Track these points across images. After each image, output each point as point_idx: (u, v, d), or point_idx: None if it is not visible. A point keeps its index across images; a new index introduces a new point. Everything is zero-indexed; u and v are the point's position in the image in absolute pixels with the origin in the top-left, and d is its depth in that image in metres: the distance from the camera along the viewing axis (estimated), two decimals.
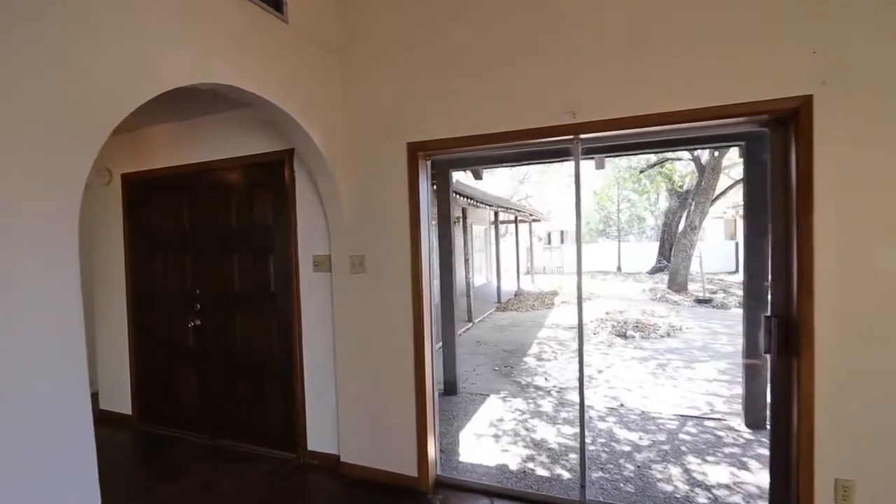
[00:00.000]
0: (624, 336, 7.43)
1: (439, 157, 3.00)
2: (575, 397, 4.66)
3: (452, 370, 4.72)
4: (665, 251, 15.82)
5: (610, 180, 20.86)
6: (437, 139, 2.70)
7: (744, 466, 3.10)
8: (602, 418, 4.01)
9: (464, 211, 9.22)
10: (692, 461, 3.19)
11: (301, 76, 2.59)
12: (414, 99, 2.77)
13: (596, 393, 4.77)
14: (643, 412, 4.15)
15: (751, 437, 3.57)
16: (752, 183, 3.66)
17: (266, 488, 2.96)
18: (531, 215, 14.50)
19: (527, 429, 3.81)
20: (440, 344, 4.62)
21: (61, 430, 1.49)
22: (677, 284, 11.82)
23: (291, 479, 3.07)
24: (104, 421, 4.12)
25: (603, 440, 3.55)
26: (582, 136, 2.48)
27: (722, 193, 12.60)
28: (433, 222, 3.40)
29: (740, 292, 11.30)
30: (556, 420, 4.00)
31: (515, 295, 13.00)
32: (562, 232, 26.62)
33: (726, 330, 7.76)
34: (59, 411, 1.49)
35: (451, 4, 2.67)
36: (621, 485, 2.90)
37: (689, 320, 8.51)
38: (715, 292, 11.27)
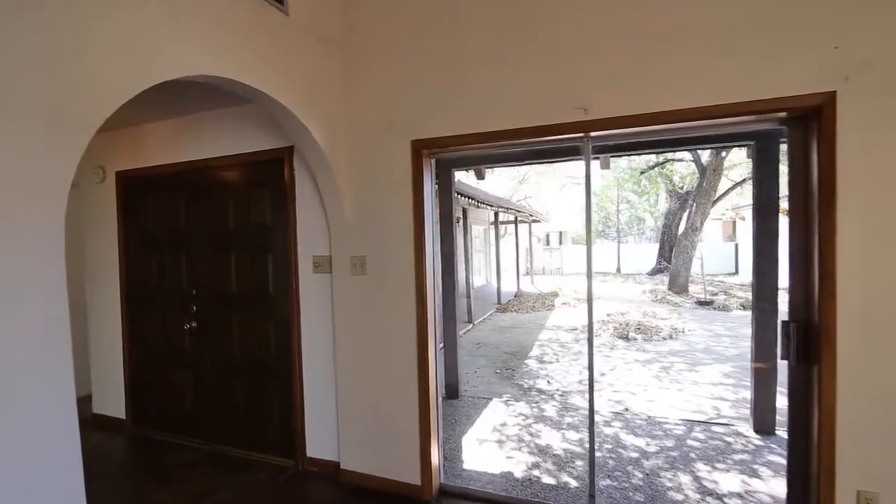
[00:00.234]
0: (626, 338, 7.36)
1: (444, 156, 2.91)
2: (578, 401, 4.58)
3: (454, 373, 4.63)
4: (665, 252, 15.78)
5: (610, 181, 20.83)
6: (443, 136, 2.61)
7: (755, 474, 3.02)
8: (607, 423, 3.92)
9: (464, 211, 9.14)
10: (702, 468, 3.10)
11: (301, 70, 2.50)
12: (418, 95, 2.68)
13: (600, 397, 4.68)
14: (649, 417, 4.07)
15: (760, 443, 3.49)
16: (761, 183, 3.58)
17: (263, 497, 2.86)
18: (531, 216, 14.42)
19: (531, 434, 3.72)
20: (441, 345, 4.53)
21: (45, 432, 1.42)
22: (678, 286, 11.76)
23: (290, 487, 2.97)
24: (98, 425, 4.03)
25: (609, 446, 3.47)
26: (593, 133, 2.39)
27: (724, 194, 12.55)
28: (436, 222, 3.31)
29: (741, 294, 11.34)
30: (560, 425, 3.91)
31: (515, 296, 12.92)
32: (560, 233, 26.57)
33: (728, 332, 7.69)
34: (43, 413, 1.42)
35: None
36: (630, 493, 2.81)
37: (691, 322, 8.45)
38: (715, 294, 11.21)
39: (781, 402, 3.82)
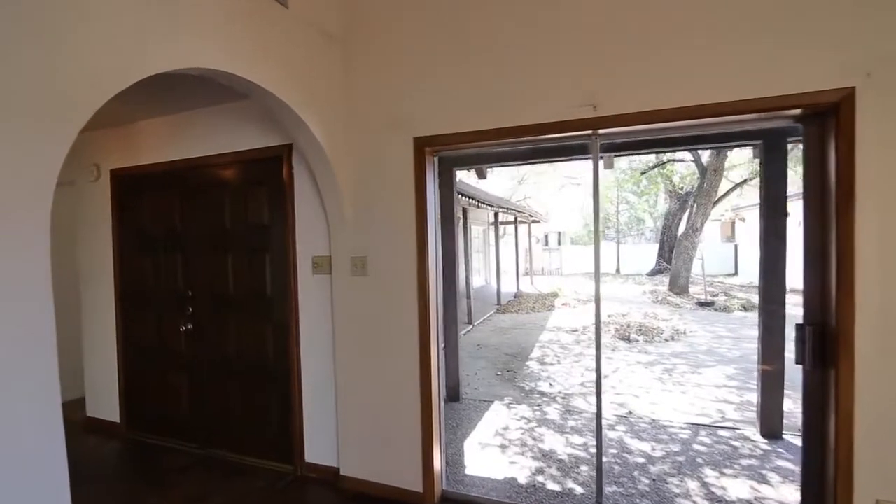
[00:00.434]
0: (627, 340, 7.29)
1: (446, 154, 2.84)
2: (582, 404, 4.51)
3: (455, 375, 4.56)
4: (665, 253, 15.75)
5: (610, 182, 20.80)
6: (446, 134, 2.54)
7: (764, 480, 2.95)
8: (611, 427, 3.86)
9: (464, 211, 9.06)
10: (709, 474, 3.04)
11: (301, 65, 2.43)
12: (421, 91, 2.61)
13: (603, 399, 4.60)
14: (653, 420, 4.01)
15: (767, 447, 3.42)
16: (769, 183, 3.52)
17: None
18: (531, 216, 14.36)
19: (534, 438, 3.65)
20: (443, 345, 4.46)
21: (28, 435, 1.35)
22: (678, 287, 11.71)
23: (288, 493, 2.89)
24: (91, 428, 3.95)
25: (614, 451, 3.40)
26: (601, 130, 2.32)
27: (725, 195, 12.52)
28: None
29: (741, 295, 11.31)
30: (563, 429, 3.84)
31: (515, 297, 12.86)
32: (559, 233, 26.54)
33: (730, 334, 7.64)
34: (26, 415, 1.35)
35: None
36: (637, 500, 2.75)
37: (693, 324, 8.39)
38: (716, 295, 11.17)
39: (788, 405, 3.78)
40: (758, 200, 14.56)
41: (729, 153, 10.86)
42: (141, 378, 3.72)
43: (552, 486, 2.93)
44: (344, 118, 2.76)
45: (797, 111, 2.05)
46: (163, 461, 3.37)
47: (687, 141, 3.54)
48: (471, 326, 8.66)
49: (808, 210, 2.09)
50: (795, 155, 6.50)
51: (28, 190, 1.30)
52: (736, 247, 17.76)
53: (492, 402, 4.58)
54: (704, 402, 4.50)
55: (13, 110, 1.27)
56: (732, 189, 12.65)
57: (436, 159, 2.74)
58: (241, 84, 2.11)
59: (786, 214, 3.48)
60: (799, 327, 2.09)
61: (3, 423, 1.28)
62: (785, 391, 3.58)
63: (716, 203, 11.79)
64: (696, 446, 3.47)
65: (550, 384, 5.19)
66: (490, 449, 3.48)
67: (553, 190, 24.58)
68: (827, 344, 2.00)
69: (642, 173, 13.87)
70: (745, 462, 3.20)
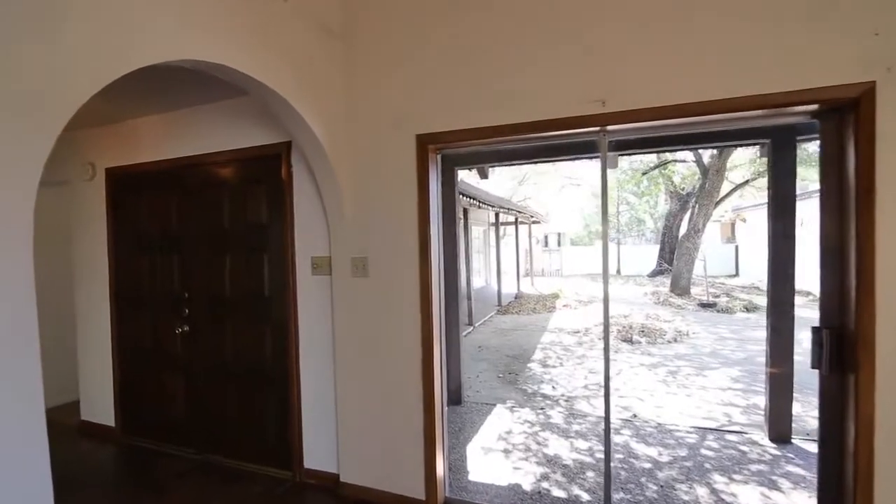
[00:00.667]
0: (630, 341, 7.22)
1: (448, 152, 2.77)
2: (585, 407, 4.44)
3: (457, 378, 4.48)
4: (665, 254, 15.69)
5: (611, 182, 20.69)
6: (450, 131, 2.47)
7: (775, 486, 2.88)
8: (617, 431, 3.78)
9: (465, 211, 8.99)
10: (718, 480, 2.96)
11: (300, 60, 2.36)
12: (423, 87, 2.53)
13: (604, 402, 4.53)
14: (659, 424, 3.93)
15: (777, 452, 3.35)
16: (777, 182, 3.45)
17: None
18: (531, 217, 14.30)
19: (538, 443, 3.58)
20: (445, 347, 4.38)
21: (9, 439, 1.28)
22: (680, 288, 11.64)
23: (286, 500, 2.82)
24: (86, 433, 3.87)
25: (620, 456, 3.33)
26: (610, 127, 2.25)
27: (727, 195, 12.45)
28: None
29: (743, 296, 11.23)
30: (568, 433, 3.77)
31: (516, 297, 12.79)
32: (559, 234, 26.48)
33: (733, 335, 7.57)
34: (7, 418, 1.27)
35: None
36: None
37: (695, 325, 8.32)
38: (718, 296, 11.10)
39: (796, 408, 3.70)
40: (759, 201, 14.45)
41: (731, 153, 10.78)
42: (136, 381, 3.65)
43: (558, 492, 2.85)
44: (344, 115, 2.69)
45: (813, 107, 1.98)
46: (159, 467, 3.29)
47: (694, 139, 3.47)
48: (471, 328, 8.59)
49: (825, 208, 2.02)
50: (800, 154, 6.41)
51: (9, 189, 1.23)
52: (737, 248, 17.71)
53: (494, 405, 4.50)
54: (710, 406, 4.43)
55: None
56: (735, 189, 12.58)
57: (439, 157, 2.67)
58: (237, 78, 2.04)
59: (794, 214, 3.41)
60: (815, 330, 2.02)
61: None
62: (793, 394, 3.51)
63: (717, 204, 11.72)
64: (703, 451, 3.40)
65: (553, 387, 5.12)
66: (493, 454, 3.41)
67: (553, 191, 24.54)
68: (845, 348, 1.93)
69: (643, 174, 13.81)
70: (754, 467, 3.13)
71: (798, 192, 3.60)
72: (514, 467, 3.18)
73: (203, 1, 1.80)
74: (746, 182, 12.54)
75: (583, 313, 10.17)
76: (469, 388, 4.98)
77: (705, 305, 10.10)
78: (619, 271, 19.45)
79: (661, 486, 2.89)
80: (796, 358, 3.47)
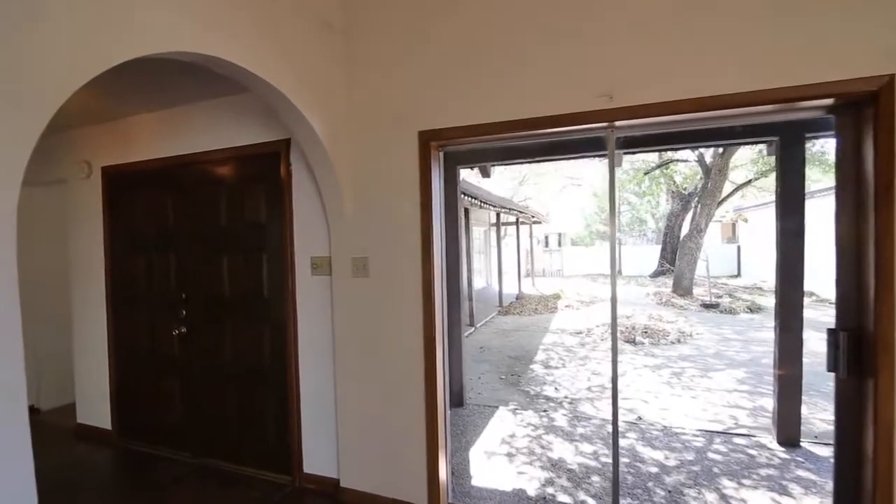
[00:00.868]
0: (633, 342, 7.16)
1: (452, 150, 2.70)
2: (589, 409, 4.37)
3: (459, 380, 4.42)
4: (667, 254, 15.62)
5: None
6: (453, 127, 2.40)
7: (785, 492, 2.81)
8: (622, 434, 3.71)
9: (466, 211, 8.93)
10: (727, 485, 2.90)
11: (299, 54, 2.29)
12: (425, 82, 2.47)
13: (611, 405, 4.47)
14: (665, 427, 3.87)
15: (786, 456, 3.28)
16: (785, 180, 3.39)
17: None
18: (533, 217, 14.23)
19: (542, 446, 3.51)
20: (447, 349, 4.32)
21: None
22: (682, 288, 11.56)
23: None
24: (82, 435, 3.80)
25: (626, 459, 3.26)
26: (618, 123, 2.18)
27: (730, 195, 12.38)
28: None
29: (746, 297, 11.16)
30: (572, 436, 3.70)
31: (517, 298, 12.72)
32: (559, 234, 26.41)
33: (738, 336, 7.50)
34: None
35: None
36: None
37: (699, 326, 8.25)
38: (720, 297, 11.03)
39: (804, 411, 3.63)
40: (761, 201, 14.37)
41: (734, 153, 10.71)
42: (133, 383, 3.58)
43: (563, 498, 2.79)
44: (345, 111, 2.62)
45: (829, 101, 1.92)
46: (155, 470, 3.23)
47: (701, 136, 3.41)
48: (473, 328, 8.53)
49: (841, 206, 1.95)
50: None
51: None
52: (738, 248, 17.64)
53: (497, 407, 4.43)
54: (716, 408, 4.36)
55: None
56: (738, 189, 12.51)
57: (441, 155, 2.60)
58: (235, 73, 1.98)
59: (803, 213, 3.35)
60: (831, 332, 1.96)
61: None
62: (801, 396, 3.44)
63: (720, 203, 11.66)
64: (710, 455, 3.33)
65: (556, 388, 5.06)
66: (496, 458, 3.34)
67: (554, 191, 24.47)
68: (864, 350, 1.87)
69: (645, 173, 13.73)
70: (763, 472, 3.06)
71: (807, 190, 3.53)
72: (518, 472, 3.12)
73: None
74: (749, 182, 12.47)
75: (585, 314, 10.10)
76: (471, 390, 4.91)
77: (708, 306, 10.03)
78: (620, 271, 19.37)
79: (670, 492, 2.83)
80: (805, 360, 3.40)
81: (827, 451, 3.31)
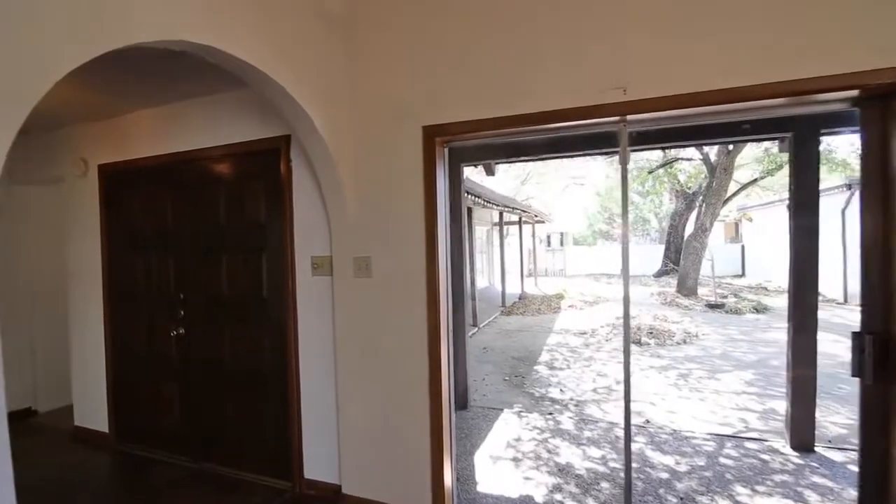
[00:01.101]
0: (639, 343, 7.06)
1: (456, 145, 2.61)
2: (596, 412, 4.29)
3: (463, 381, 4.34)
4: (671, 254, 15.50)
5: (615, 181, 20.55)
6: (459, 122, 2.32)
7: (802, 499, 2.72)
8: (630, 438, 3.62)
9: (469, 210, 8.84)
10: (741, 492, 2.81)
11: (299, 46, 2.21)
12: (430, 75, 2.39)
13: (618, 407, 4.39)
14: (674, 431, 3.78)
15: (800, 461, 3.19)
16: (799, 178, 3.29)
17: None
18: (535, 216, 14.14)
19: (549, 451, 3.42)
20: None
21: None
22: (687, 288, 11.46)
23: None
24: (79, 439, 3.73)
25: (635, 465, 3.17)
26: (630, 117, 2.10)
27: (735, 193, 12.26)
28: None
29: (751, 297, 11.04)
30: (579, 440, 3.61)
31: (520, 298, 12.62)
32: (561, 234, 26.29)
33: (744, 337, 7.39)
34: None
35: None
36: None
37: (704, 326, 8.14)
38: (725, 297, 10.92)
39: (817, 414, 3.53)
40: (765, 200, 14.24)
41: (741, 151, 10.59)
42: (130, 386, 3.51)
43: None
44: (346, 106, 2.54)
45: (853, 93, 1.83)
46: (153, 475, 3.15)
47: (712, 132, 3.31)
48: (476, 329, 8.44)
49: (866, 203, 1.86)
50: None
51: None
52: (743, 247, 17.50)
53: (501, 409, 4.35)
54: (725, 411, 4.27)
55: None
56: (743, 188, 12.39)
57: (446, 150, 2.52)
58: (232, 64, 1.90)
59: (818, 211, 3.26)
60: (856, 335, 1.86)
61: None
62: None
63: (725, 202, 11.54)
64: (722, 460, 3.24)
65: (561, 390, 4.97)
66: (502, 462, 3.25)
67: (556, 190, 24.36)
68: (891, 354, 1.78)
69: (649, 172, 13.61)
70: (777, 478, 2.97)
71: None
72: (525, 477, 3.03)
73: None
74: (755, 181, 12.35)
75: (588, 314, 10.00)
76: (475, 392, 4.83)
77: (713, 306, 9.92)
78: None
79: (682, 499, 2.74)
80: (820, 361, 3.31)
81: (842, 457, 3.22)
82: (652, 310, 9.75)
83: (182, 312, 3.23)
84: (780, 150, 3.87)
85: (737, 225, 19.59)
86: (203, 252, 3.16)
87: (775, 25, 1.81)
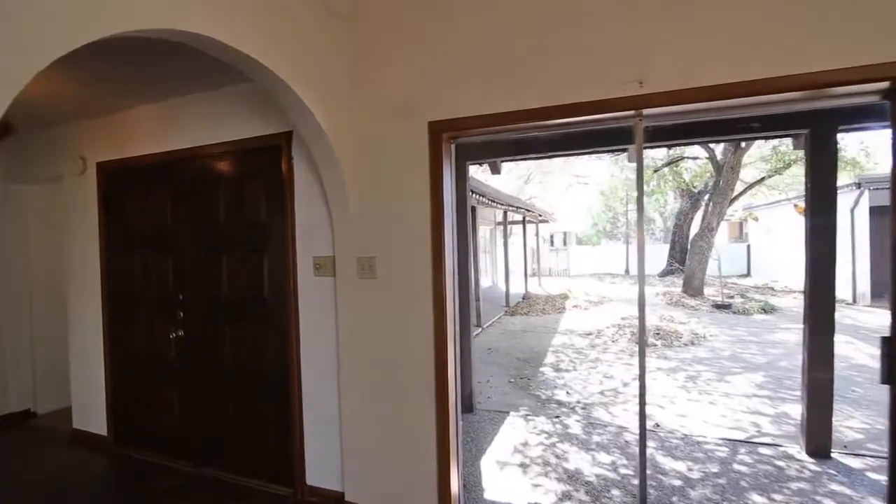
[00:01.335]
0: (645, 344, 6.95)
1: (462, 142, 2.53)
2: (603, 415, 4.20)
3: (468, 384, 4.25)
4: (675, 253, 15.38)
5: (619, 181, 20.42)
6: (466, 117, 2.24)
7: None
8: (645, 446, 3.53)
9: (473, 209, 8.75)
10: (758, 500, 2.71)
11: (300, 39, 2.13)
12: (436, 69, 2.30)
13: (626, 410, 4.30)
14: (685, 435, 3.68)
15: (817, 468, 3.09)
16: (815, 175, 3.19)
17: None
18: (539, 215, 14.04)
19: (557, 456, 3.34)
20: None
21: None
22: (693, 288, 11.33)
23: None
24: (78, 442, 3.67)
25: (647, 471, 3.07)
26: (646, 111, 2.01)
27: (742, 192, 12.13)
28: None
29: (758, 297, 10.92)
30: (588, 445, 3.52)
31: (524, 298, 12.53)
32: (565, 233, 26.18)
33: (753, 338, 7.28)
34: None
35: None
36: None
37: (712, 327, 8.04)
38: (731, 297, 10.80)
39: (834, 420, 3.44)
40: (771, 199, 14.09)
41: (748, 149, 10.46)
42: (129, 388, 3.44)
43: None
44: (350, 101, 2.46)
45: (884, 85, 1.74)
46: (152, 481, 3.08)
47: (726, 129, 3.21)
48: (480, 329, 8.36)
49: None
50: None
51: None
52: (748, 247, 17.36)
53: (507, 412, 4.26)
54: (736, 414, 4.17)
55: None
56: (750, 187, 12.26)
57: (453, 147, 2.44)
58: (231, 56, 1.82)
59: (835, 209, 3.16)
60: (885, 341, 1.78)
61: None
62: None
63: (732, 201, 11.42)
64: (736, 466, 3.15)
65: (568, 392, 4.88)
66: (509, 468, 3.17)
67: (560, 189, 24.24)
68: None
69: (655, 171, 13.49)
70: (794, 485, 2.87)
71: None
72: (533, 484, 2.95)
73: None
74: (762, 179, 12.21)
75: (593, 314, 9.91)
76: (480, 394, 4.75)
77: (720, 307, 9.80)
78: (627, 271, 19.14)
79: None
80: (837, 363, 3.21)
81: (860, 463, 3.12)
82: (657, 310, 9.65)
83: (181, 314, 3.16)
84: (795, 148, 3.77)
85: (741, 224, 19.45)
86: (203, 251, 3.09)
87: (802, 15, 1.72)
